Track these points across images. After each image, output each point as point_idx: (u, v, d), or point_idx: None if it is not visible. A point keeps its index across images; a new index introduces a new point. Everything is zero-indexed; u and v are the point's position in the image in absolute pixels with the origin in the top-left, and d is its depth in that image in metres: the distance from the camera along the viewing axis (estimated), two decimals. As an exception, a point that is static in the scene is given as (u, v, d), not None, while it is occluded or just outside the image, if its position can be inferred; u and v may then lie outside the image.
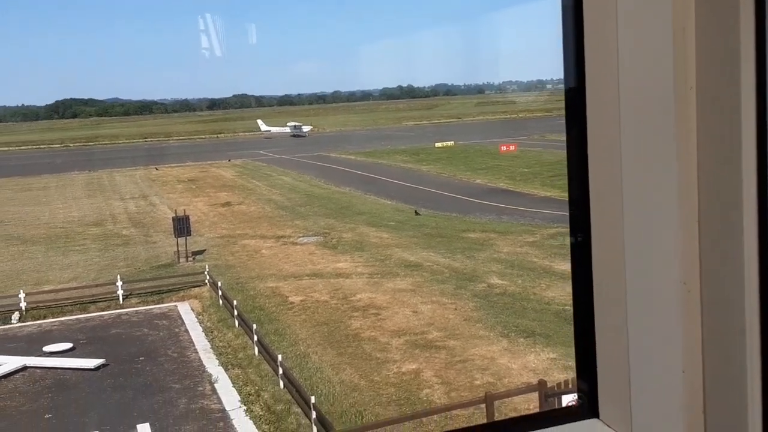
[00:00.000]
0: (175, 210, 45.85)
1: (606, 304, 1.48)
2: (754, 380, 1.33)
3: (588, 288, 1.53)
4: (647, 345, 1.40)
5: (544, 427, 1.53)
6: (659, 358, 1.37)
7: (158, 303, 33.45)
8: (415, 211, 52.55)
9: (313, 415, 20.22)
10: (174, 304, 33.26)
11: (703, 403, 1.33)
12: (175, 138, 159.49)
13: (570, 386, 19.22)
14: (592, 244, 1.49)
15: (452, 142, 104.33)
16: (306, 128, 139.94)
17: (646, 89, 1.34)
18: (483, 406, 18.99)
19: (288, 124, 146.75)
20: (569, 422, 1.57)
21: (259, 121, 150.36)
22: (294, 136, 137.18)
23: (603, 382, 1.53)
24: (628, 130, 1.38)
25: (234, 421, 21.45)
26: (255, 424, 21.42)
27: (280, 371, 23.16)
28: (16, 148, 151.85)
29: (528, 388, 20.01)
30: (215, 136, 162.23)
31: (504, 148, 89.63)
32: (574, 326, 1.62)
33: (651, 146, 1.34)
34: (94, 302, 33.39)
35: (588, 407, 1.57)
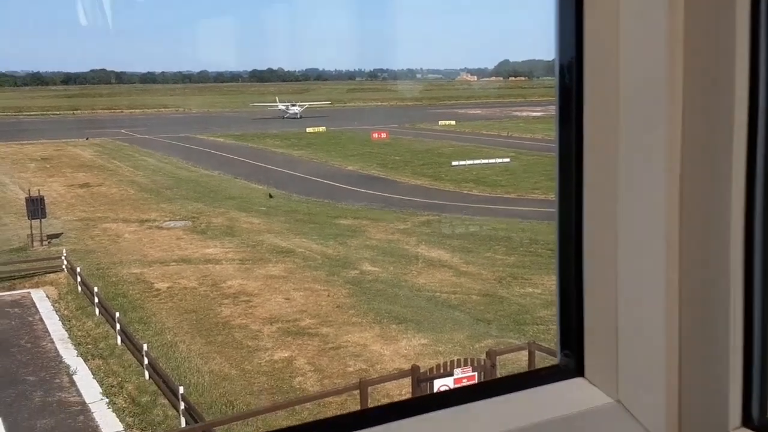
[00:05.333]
0: (28, 190, 42.76)
1: (595, 263, 1.49)
2: (736, 336, 1.41)
3: (578, 246, 1.52)
4: (635, 304, 1.42)
5: (529, 387, 1.54)
6: (646, 317, 1.40)
7: (9, 290, 31.11)
8: (269, 194, 52.22)
9: (182, 406, 19.55)
10: (27, 290, 31.05)
11: (678, 361, 1.37)
12: (26, 113, 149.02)
13: (441, 371, 19.67)
14: (584, 206, 1.50)
15: (324, 127, 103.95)
16: (295, 108, 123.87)
17: (643, 50, 1.35)
18: (357, 392, 19.06)
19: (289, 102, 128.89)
20: (554, 382, 1.58)
21: (277, 99, 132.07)
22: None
23: (589, 341, 1.54)
24: (625, 123, 1.39)
25: (95, 414, 20.37)
26: (118, 416, 20.44)
27: (146, 361, 22.24)
28: None
29: (401, 374, 20.30)
30: (71, 112, 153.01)
31: (376, 135, 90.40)
32: (559, 284, 1.60)
33: (644, 140, 1.36)
34: (-66, 289, 30.61)
35: (573, 366, 1.58)
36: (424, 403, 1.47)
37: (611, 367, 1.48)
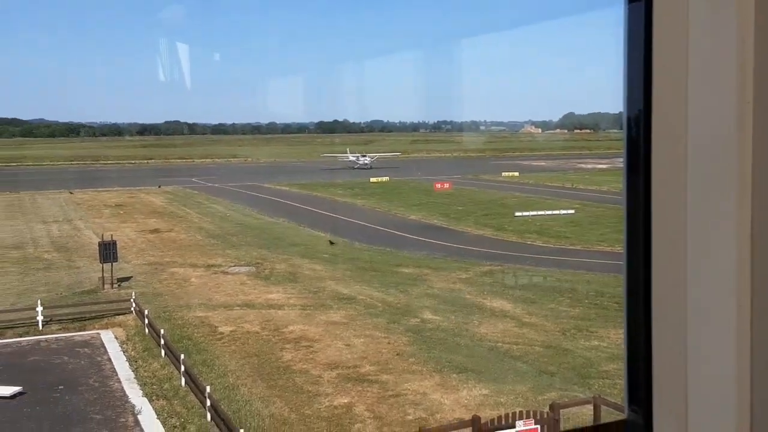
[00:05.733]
0: (102, 235, 44.37)
1: (664, 317, 1.48)
2: None
3: (646, 300, 1.51)
4: (705, 359, 1.40)
5: None
6: (717, 373, 1.38)
7: (80, 330, 32.11)
8: (330, 242, 52.64)
9: (242, 448, 19.62)
10: (97, 331, 31.98)
11: (750, 418, 1.34)
12: (102, 162, 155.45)
13: (503, 422, 19.24)
14: (653, 261, 1.48)
15: (387, 177, 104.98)
16: (365, 159, 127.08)
17: (712, 108, 1.34)
18: (416, 441, 18.81)
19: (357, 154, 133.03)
20: None
21: (347, 150, 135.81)
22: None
23: (657, 396, 1.51)
24: (694, 178, 1.39)
25: (157, 455, 20.62)
26: (180, 457, 20.64)
27: (208, 403, 22.44)
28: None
29: (461, 424, 19.93)
30: (146, 161, 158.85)
31: (438, 185, 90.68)
32: (626, 338, 1.61)
33: (713, 196, 1.35)
34: (11, 327, 31.77)
35: (642, 422, 1.55)
36: None
37: (681, 424, 1.44)
